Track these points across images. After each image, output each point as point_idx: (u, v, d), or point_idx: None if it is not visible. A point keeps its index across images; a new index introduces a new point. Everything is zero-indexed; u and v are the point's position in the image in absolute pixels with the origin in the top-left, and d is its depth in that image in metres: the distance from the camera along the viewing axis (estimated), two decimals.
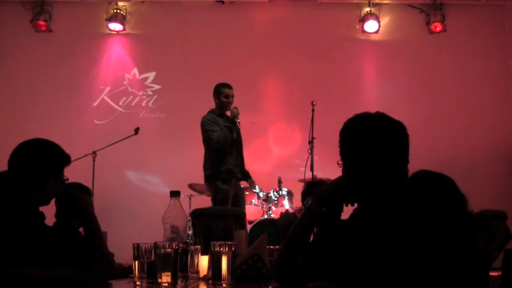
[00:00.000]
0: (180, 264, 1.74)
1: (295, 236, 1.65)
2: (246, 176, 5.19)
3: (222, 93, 5.02)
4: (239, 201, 4.99)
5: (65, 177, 1.98)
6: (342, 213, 1.73)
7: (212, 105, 5.17)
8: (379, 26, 7.26)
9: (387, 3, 7.40)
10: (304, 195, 3.48)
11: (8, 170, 1.87)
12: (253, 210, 5.77)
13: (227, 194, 4.83)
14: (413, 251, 1.33)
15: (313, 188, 2.98)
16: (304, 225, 1.66)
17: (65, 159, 1.96)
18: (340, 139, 1.56)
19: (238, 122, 4.91)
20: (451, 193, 1.98)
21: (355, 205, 1.58)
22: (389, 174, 1.49)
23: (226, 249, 1.66)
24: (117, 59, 7.40)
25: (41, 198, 1.90)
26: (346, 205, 1.63)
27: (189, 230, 4.28)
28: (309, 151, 5.11)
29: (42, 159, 1.90)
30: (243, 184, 5.32)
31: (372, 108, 1.61)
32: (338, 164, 1.58)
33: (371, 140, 1.49)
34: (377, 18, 7.23)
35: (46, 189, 1.90)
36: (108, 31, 7.32)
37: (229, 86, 5.06)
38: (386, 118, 1.53)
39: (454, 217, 1.43)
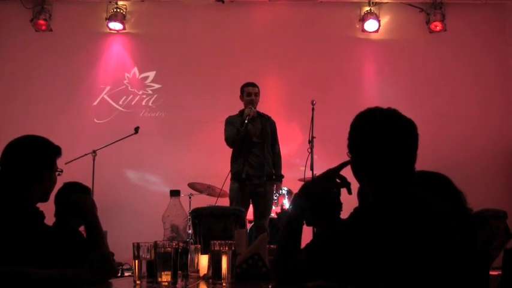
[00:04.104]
0: (180, 264, 1.74)
1: (287, 234, 1.66)
2: (267, 178, 4.91)
3: (244, 92, 5.01)
4: (258, 202, 4.91)
5: (59, 169, 1.99)
6: (341, 214, 1.72)
7: (211, 104, 5.17)
8: (379, 25, 7.26)
9: (387, 3, 7.40)
10: None
11: (1, 169, 1.88)
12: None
13: (233, 193, 4.90)
14: (414, 250, 1.33)
15: None
16: (293, 222, 1.67)
17: (56, 151, 1.98)
18: (350, 131, 1.57)
19: (246, 123, 4.79)
20: (449, 191, 1.98)
21: (355, 205, 1.58)
22: (396, 170, 1.49)
23: (226, 249, 1.67)
24: (117, 58, 7.40)
25: (38, 194, 1.91)
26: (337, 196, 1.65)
27: (189, 229, 4.28)
28: (309, 150, 5.10)
29: (34, 154, 1.92)
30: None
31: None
32: (348, 155, 1.58)
33: (380, 134, 1.50)
34: (377, 18, 7.23)
35: (42, 184, 1.91)
36: (108, 30, 7.32)
37: (251, 84, 5.02)
38: (398, 114, 1.54)
39: (455, 217, 1.43)
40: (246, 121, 4.80)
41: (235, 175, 4.90)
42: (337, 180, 1.64)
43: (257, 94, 5.00)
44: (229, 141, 4.91)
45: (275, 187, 5.13)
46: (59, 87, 7.12)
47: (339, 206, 1.65)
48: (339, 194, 1.65)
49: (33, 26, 7.13)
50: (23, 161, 1.89)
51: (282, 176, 5.13)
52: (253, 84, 5.03)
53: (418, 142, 1.53)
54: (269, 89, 7.09)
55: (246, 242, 2.19)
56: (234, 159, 4.95)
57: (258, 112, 5.07)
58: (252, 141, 4.91)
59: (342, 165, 1.62)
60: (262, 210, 4.90)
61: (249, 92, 4.97)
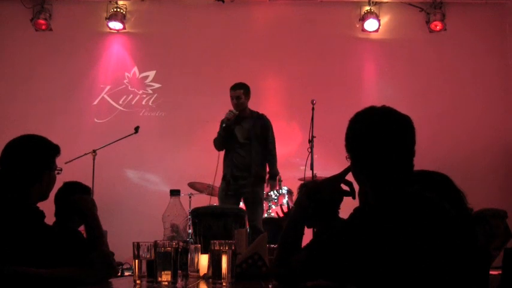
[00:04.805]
0: (180, 263, 1.74)
1: (288, 233, 1.66)
2: (256, 178, 4.93)
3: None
4: (247, 203, 4.95)
5: (58, 168, 2.00)
6: (341, 213, 1.73)
7: (211, 103, 5.19)
8: (379, 25, 7.26)
9: (387, 2, 7.39)
10: None
11: (1, 169, 1.89)
12: None
13: (219, 193, 5.01)
14: (414, 250, 1.33)
15: None
16: (295, 221, 1.67)
17: (55, 150, 1.99)
18: (346, 133, 1.57)
19: (224, 127, 4.87)
20: (449, 190, 1.98)
21: (355, 205, 1.58)
22: (395, 166, 1.49)
23: (226, 248, 1.67)
24: (117, 58, 7.40)
25: (38, 194, 1.91)
26: (341, 200, 1.66)
27: (189, 228, 4.28)
28: (309, 150, 5.11)
29: (33, 154, 1.92)
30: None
31: None
32: (346, 158, 1.59)
33: (377, 132, 1.50)
34: (377, 17, 7.23)
35: (42, 183, 1.91)
36: (108, 30, 7.32)
37: (232, 88, 4.98)
38: (393, 111, 1.55)
39: (455, 216, 1.43)
40: (224, 125, 4.87)
41: (223, 176, 4.99)
42: (344, 186, 1.65)
43: (239, 97, 4.92)
44: (216, 144, 5.02)
45: (270, 186, 5.14)
46: (59, 87, 7.12)
47: (338, 206, 1.66)
48: (341, 200, 1.66)
49: (33, 26, 7.12)
50: (22, 161, 1.89)
51: (276, 174, 5.09)
52: (234, 87, 4.96)
53: (415, 137, 1.53)
54: (269, 89, 7.11)
55: (246, 242, 2.19)
56: (223, 159, 5.03)
57: (251, 111, 5.08)
58: (238, 142, 4.94)
59: (347, 171, 1.62)
60: (252, 212, 4.84)
61: (231, 96, 4.97)
